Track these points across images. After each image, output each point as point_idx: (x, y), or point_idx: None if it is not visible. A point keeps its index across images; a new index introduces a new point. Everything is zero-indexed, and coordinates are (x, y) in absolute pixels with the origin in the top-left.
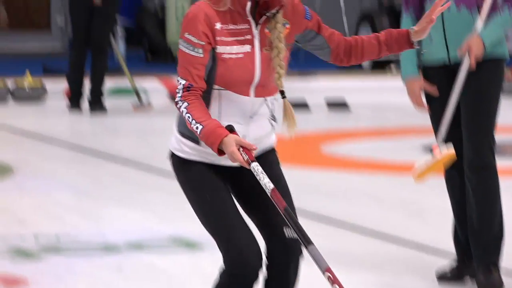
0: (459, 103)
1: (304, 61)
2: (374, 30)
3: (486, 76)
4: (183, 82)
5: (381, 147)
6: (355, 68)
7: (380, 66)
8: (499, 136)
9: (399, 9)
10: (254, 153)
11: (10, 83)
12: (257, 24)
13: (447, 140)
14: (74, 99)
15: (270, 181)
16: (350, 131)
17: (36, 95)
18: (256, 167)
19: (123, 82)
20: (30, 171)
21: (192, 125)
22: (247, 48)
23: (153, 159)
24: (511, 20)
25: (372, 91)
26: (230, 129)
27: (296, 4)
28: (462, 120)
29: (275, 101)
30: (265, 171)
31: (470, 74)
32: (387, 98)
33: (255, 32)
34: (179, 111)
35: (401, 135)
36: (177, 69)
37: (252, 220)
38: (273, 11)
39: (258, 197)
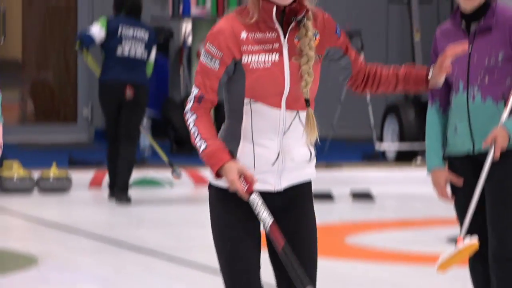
0: (484, 193)
1: (329, 153)
2: (400, 122)
3: (511, 167)
4: (196, 91)
5: (406, 238)
6: (380, 160)
7: (405, 157)
8: None
9: (425, 100)
10: (294, 178)
11: (35, 174)
12: (285, 33)
13: (471, 230)
14: (113, 189)
15: (269, 215)
16: (374, 222)
17: (61, 186)
18: (254, 200)
19: (147, 173)
20: (55, 262)
21: (196, 141)
22: (275, 57)
23: (178, 250)
24: None
25: (397, 182)
26: (231, 154)
27: (327, 18)
28: (487, 211)
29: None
30: (296, 206)
31: (495, 164)
32: (412, 188)
33: (284, 41)
34: (187, 122)
35: (426, 226)
36: (195, 74)
37: (273, 266)
38: (300, 16)
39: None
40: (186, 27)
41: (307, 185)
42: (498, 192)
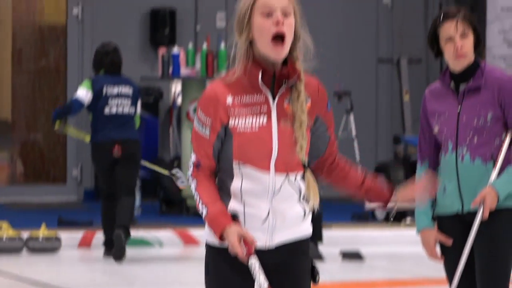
0: (473, 253)
1: None
2: (389, 181)
3: (501, 227)
4: (193, 157)
5: None
6: (369, 220)
7: (395, 217)
8: None
9: (414, 160)
10: (287, 236)
11: (25, 234)
12: (274, 96)
13: None
14: (108, 246)
15: (265, 279)
16: (364, 282)
17: (51, 246)
18: (253, 264)
19: (137, 232)
20: None
21: (199, 205)
22: (263, 120)
23: None
24: None
25: (387, 242)
26: (234, 216)
27: (321, 88)
28: (476, 271)
29: (303, 181)
30: (290, 265)
31: (484, 224)
32: (402, 248)
33: (272, 104)
34: (190, 187)
35: (416, 286)
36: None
37: None
38: (292, 80)
39: None
40: (176, 87)
41: (302, 242)
42: (487, 252)
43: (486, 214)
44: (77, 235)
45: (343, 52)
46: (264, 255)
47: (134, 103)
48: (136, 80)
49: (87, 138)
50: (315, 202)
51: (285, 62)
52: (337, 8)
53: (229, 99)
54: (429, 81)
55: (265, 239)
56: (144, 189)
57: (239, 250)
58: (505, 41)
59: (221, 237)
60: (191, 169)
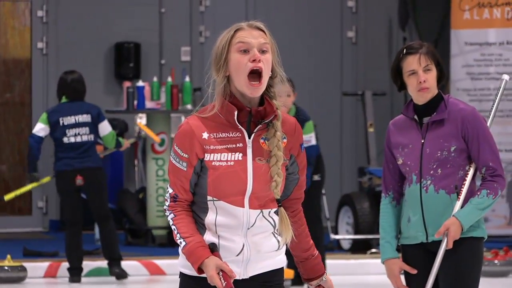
0: (437, 281)
1: None
2: (355, 212)
3: (465, 256)
4: (170, 190)
5: None
6: (335, 250)
7: (360, 247)
8: None
9: (379, 191)
10: (261, 268)
11: None
12: (250, 133)
13: None
14: (75, 274)
15: None
16: None
17: (16, 276)
18: None
19: (104, 262)
20: None
21: (177, 238)
22: (238, 156)
23: None
24: (489, 203)
25: (352, 271)
26: (213, 248)
27: (298, 128)
28: None
29: (277, 215)
30: None
31: (448, 254)
32: (367, 277)
33: (248, 141)
34: (167, 218)
35: None
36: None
37: None
38: (268, 120)
39: None
40: (141, 120)
41: (276, 272)
42: (451, 280)
43: (450, 244)
44: (42, 265)
45: (308, 86)
46: (238, 286)
47: (93, 130)
48: None
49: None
50: (287, 237)
51: (262, 99)
52: (303, 42)
53: (205, 135)
54: (393, 113)
55: (239, 272)
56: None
57: (218, 282)
58: (469, 74)
59: (199, 270)
60: (168, 201)
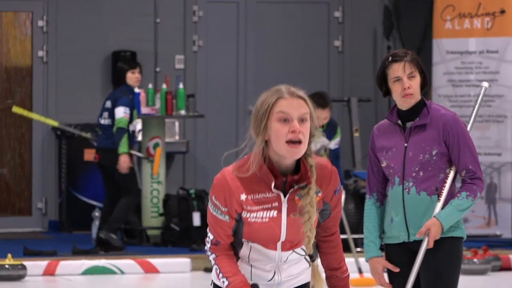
0: (419, 279)
1: None
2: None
3: (445, 255)
4: (211, 236)
5: None
6: None
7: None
8: None
9: (364, 192)
10: (292, 285)
11: None
12: (285, 193)
13: None
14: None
15: None
16: None
17: (16, 274)
18: None
19: (99, 261)
20: None
21: (219, 278)
22: (273, 213)
23: None
24: (468, 204)
25: None
26: (255, 285)
27: (334, 175)
28: None
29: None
30: None
31: (429, 253)
32: (352, 275)
33: (284, 200)
34: (208, 257)
35: None
36: (207, 221)
37: None
38: (302, 185)
39: None
40: (137, 125)
41: (304, 285)
42: (432, 278)
43: (431, 244)
44: (42, 263)
45: None
46: None
47: (111, 115)
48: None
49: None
50: None
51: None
52: (291, 51)
53: (243, 196)
54: (377, 119)
55: None
56: (106, 220)
57: None
58: (450, 81)
59: None
60: (208, 244)
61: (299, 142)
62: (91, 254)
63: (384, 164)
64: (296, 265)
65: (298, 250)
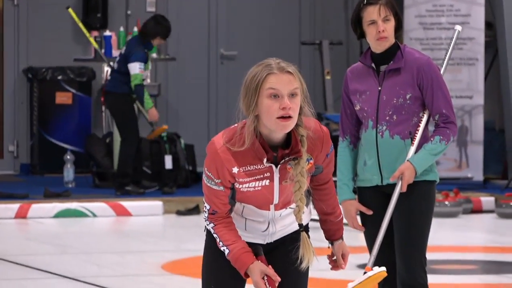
0: (392, 223)
1: None
2: None
3: (418, 199)
4: (208, 207)
5: (316, 264)
6: None
7: None
8: (430, 255)
9: (336, 135)
10: (280, 236)
11: None
12: (277, 164)
13: (381, 259)
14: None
15: None
16: None
17: None
18: None
19: (71, 204)
20: None
21: (220, 246)
22: (265, 182)
23: (99, 277)
24: (441, 148)
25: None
26: (257, 252)
27: (326, 142)
28: (395, 240)
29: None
30: (287, 250)
31: (402, 196)
32: None
33: (275, 170)
34: (208, 227)
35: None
36: (202, 191)
37: None
38: (292, 157)
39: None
40: (108, 67)
41: (296, 232)
42: (405, 222)
43: (405, 188)
44: (13, 206)
45: (267, 35)
46: (263, 246)
47: (124, 62)
48: (69, 61)
49: None
50: (309, 259)
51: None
52: None
53: (235, 169)
54: (349, 62)
55: (265, 239)
56: (78, 163)
57: (263, 287)
58: (421, 24)
59: (245, 274)
60: (206, 214)
61: (290, 117)
62: (63, 197)
63: (357, 107)
64: (290, 216)
65: (292, 206)
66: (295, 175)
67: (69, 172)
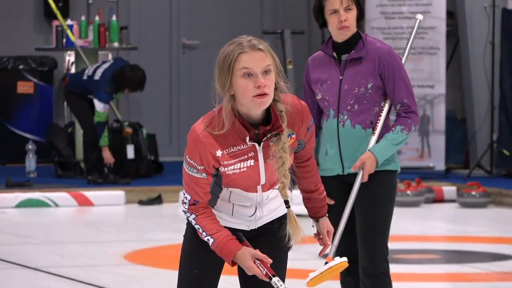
0: (353, 212)
1: None
2: None
3: (379, 188)
4: (188, 197)
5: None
6: None
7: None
8: (392, 244)
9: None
10: (264, 222)
11: None
12: (259, 142)
13: (342, 249)
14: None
15: None
16: None
17: None
18: (277, 282)
19: (33, 194)
20: None
21: (203, 237)
22: (250, 162)
23: (61, 267)
24: (402, 138)
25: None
26: (240, 238)
27: (306, 115)
28: (357, 230)
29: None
30: (271, 228)
31: (364, 186)
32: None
33: (259, 148)
34: (187, 219)
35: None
36: (182, 182)
37: None
38: (274, 133)
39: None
40: (70, 57)
41: (282, 216)
42: (367, 210)
43: (366, 178)
44: None
45: (229, 25)
46: (247, 234)
47: (91, 83)
48: (31, 51)
49: None
50: (297, 237)
51: (268, 107)
52: None
53: (219, 152)
54: (311, 51)
55: (249, 225)
56: (40, 153)
57: (258, 271)
58: (383, 14)
59: (233, 262)
60: (186, 205)
61: (265, 94)
62: (25, 187)
63: (319, 97)
64: (276, 199)
65: (277, 186)
66: (277, 151)
67: (31, 162)
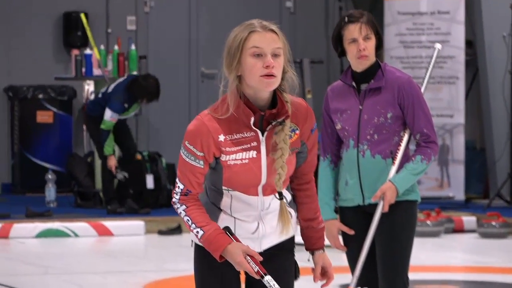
0: (374, 243)
1: None
2: None
3: (400, 218)
4: (181, 186)
5: (299, 284)
6: None
7: None
8: (412, 274)
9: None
10: (270, 244)
11: None
12: (263, 131)
13: (363, 279)
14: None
15: None
16: None
17: None
18: (269, 281)
19: (53, 224)
20: None
21: (191, 229)
22: (252, 154)
23: None
24: (422, 168)
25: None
26: (229, 231)
27: (310, 113)
28: (378, 259)
29: (288, 192)
30: (278, 256)
31: (384, 216)
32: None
33: (262, 138)
34: (176, 211)
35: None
36: (176, 171)
37: None
38: (279, 120)
39: None
40: (89, 86)
41: (288, 240)
42: (387, 241)
43: (386, 208)
44: None
45: None
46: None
47: (102, 98)
48: (50, 80)
49: None
50: (286, 230)
51: (274, 95)
52: (243, 12)
53: (222, 137)
54: (330, 80)
55: (254, 246)
56: (59, 182)
57: (249, 268)
58: (402, 43)
59: (221, 257)
60: (177, 195)
61: (273, 75)
62: (44, 216)
63: (338, 126)
64: (277, 213)
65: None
66: (279, 142)
67: (50, 192)
